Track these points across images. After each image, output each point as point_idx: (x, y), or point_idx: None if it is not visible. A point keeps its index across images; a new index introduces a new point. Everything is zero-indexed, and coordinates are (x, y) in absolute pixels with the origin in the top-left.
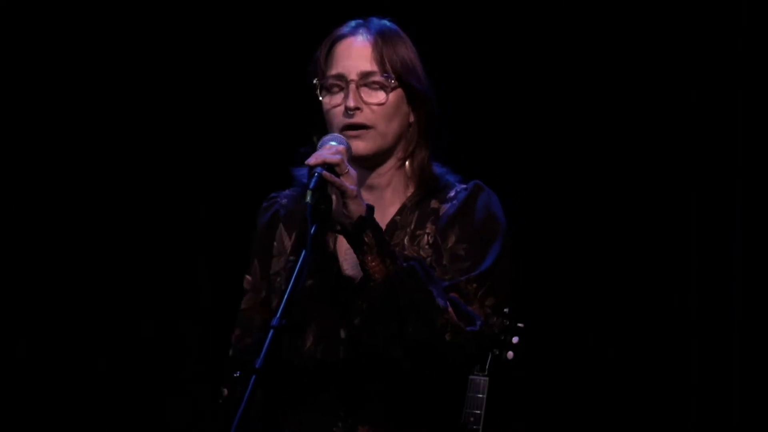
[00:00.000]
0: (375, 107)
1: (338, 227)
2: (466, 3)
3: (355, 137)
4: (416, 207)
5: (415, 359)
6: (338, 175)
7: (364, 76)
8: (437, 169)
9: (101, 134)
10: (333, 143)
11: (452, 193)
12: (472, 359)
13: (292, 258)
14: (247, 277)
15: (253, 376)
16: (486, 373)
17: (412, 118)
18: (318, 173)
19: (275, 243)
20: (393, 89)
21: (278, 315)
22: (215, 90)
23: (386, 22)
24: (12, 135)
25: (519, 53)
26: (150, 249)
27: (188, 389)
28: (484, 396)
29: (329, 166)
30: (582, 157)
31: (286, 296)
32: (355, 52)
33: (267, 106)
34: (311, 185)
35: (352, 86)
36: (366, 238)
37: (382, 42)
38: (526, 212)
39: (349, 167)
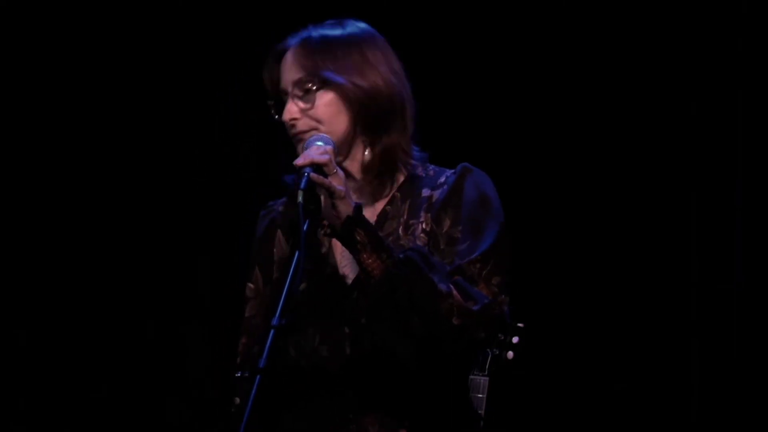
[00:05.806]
0: (310, 112)
1: (329, 230)
2: (468, 3)
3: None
4: (407, 196)
5: (423, 354)
6: (326, 176)
7: (294, 84)
8: (417, 154)
9: (103, 135)
10: (319, 143)
11: (442, 179)
12: (483, 340)
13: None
14: (249, 285)
15: (258, 377)
16: (486, 373)
17: (351, 113)
18: (306, 174)
19: (275, 249)
20: (319, 89)
21: (277, 314)
22: (216, 91)
23: (324, 30)
24: (14, 136)
25: (519, 53)
26: (150, 250)
27: (189, 390)
28: (484, 396)
29: (317, 167)
30: (582, 158)
31: (283, 295)
32: (286, 65)
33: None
34: (301, 185)
35: (289, 98)
36: (358, 237)
37: (304, 46)
38: (527, 212)
39: (337, 167)
